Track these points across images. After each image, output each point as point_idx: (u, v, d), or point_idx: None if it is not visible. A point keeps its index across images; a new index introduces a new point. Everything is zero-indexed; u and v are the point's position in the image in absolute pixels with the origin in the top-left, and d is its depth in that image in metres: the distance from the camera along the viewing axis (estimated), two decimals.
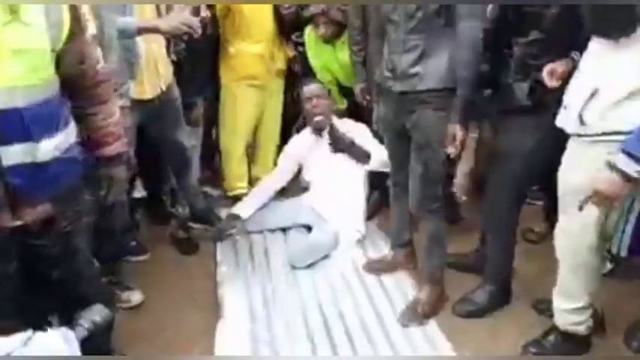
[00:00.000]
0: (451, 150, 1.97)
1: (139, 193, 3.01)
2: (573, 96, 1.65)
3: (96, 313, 1.09)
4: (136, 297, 2.31)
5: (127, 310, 2.25)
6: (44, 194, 1.41)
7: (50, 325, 1.93)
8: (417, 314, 2.19)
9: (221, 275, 2.41)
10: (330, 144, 2.80)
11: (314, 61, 3.08)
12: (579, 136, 1.65)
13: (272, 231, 2.84)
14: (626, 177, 1.45)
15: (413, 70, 1.97)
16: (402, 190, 2.35)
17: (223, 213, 2.93)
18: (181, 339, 2.11)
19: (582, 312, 1.88)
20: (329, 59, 3.06)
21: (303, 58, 3.13)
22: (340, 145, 2.78)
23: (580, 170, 1.65)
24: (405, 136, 2.15)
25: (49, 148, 1.37)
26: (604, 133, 1.57)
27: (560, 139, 1.75)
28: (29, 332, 1.06)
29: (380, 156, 2.63)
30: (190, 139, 2.68)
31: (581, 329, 1.91)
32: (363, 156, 2.77)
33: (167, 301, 2.34)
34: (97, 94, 1.55)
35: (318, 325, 2.16)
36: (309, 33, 3.06)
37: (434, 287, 2.25)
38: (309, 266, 2.55)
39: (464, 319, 2.21)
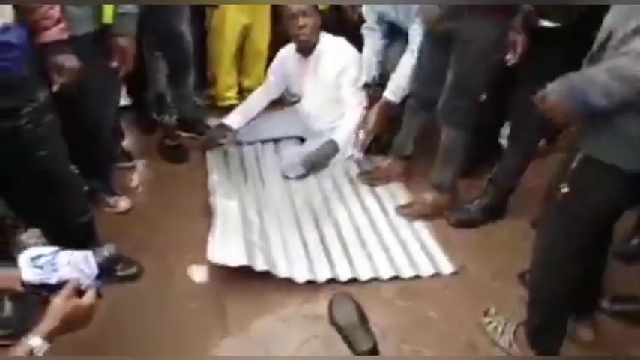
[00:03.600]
0: (510, 57, 1.88)
1: (123, 100, 2.86)
2: None
3: (105, 250, 1.20)
4: (122, 203, 2.24)
5: (116, 216, 2.21)
6: None
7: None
8: (412, 211, 2.24)
9: (212, 184, 2.34)
10: None
11: None
12: None
13: (263, 142, 2.76)
14: None
15: None
16: (420, 104, 2.29)
17: (212, 123, 2.82)
18: (172, 244, 2.08)
19: None
20: None
21: None
22: None
23: None
24: (443, 45, 2.02)
25: None
26: None
27: None
28: (55, 247, 1.16)
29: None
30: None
31: None
32: None
33: (157, 208, 2.29)
34: None
35: (311, 231, 2.15)
36: None
37: (439, 194, 2.25)
38: (303, 176, 2.50)
39: (458, 230, 2.22)
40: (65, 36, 1.56)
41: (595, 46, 1.30)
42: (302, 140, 2.72)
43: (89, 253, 1.17)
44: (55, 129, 1.53)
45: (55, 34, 1.53)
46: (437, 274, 1.98)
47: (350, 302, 1.77)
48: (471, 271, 2.01)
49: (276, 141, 2.76)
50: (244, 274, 1.85)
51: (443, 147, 2.17)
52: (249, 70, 3.15)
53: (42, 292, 1.12)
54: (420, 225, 2.22)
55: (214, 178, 2.38)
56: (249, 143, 2.73)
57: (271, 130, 2.75)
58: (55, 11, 1.51)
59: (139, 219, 2.22)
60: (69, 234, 1.61)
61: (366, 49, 2.60)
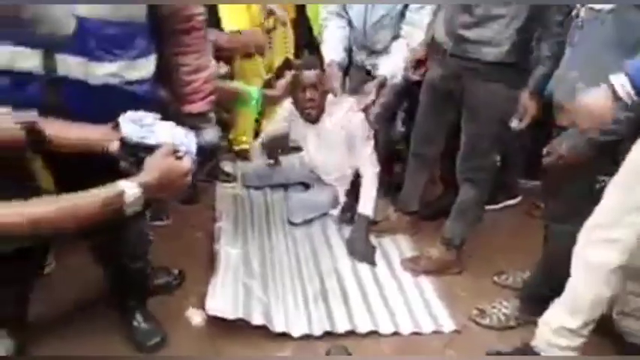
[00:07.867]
0: (515, 124, 1.86)
1: None
2: None
3: (210, 134, 1.28)
4: None
5: None
6: (97, 121, 1.23)
7: None
8: (417, 266, 2.20)
9: (218, 230, 2.36)
10: None
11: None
12: None
13: (272, 187, 2.79)
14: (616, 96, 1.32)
15: (468, 34, 1.86)
16: (421, 163, 2.31)
17: (227, 167, 2.88)
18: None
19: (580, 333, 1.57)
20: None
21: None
22: None
23: None
24: (445, 105, 2.07)
25: (103, 71, 1.25)
26: None
27: None
28: (156, 115, 1.18)
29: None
30: None
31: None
32: None
33: (162, 247, 2.30)
34: (187, 41, 1.45)
35: (313, 282, 2.13)
36: None
37: (446, 251, 2.22)
38: (308, 223, 2.51)
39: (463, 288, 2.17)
40: (209, 107, 1.55)
41: None
42: (307, 186, 2.74)
43: (190, 132, 1.20)
44: None
45: (199, 106, 1.51)
46: (438, 332, 1.93)
47: (345, 355, 1.74)
48: (474, 331, 1.95)
49: (284, 187, 2.79)
50: (242, 322, 1.84)
51: (459, 203, 2.17)
52: (267, 113, 3.20)
53: (138, 154, 1.11)
54: (424, 280, 2.18)
55: (220, 225, 2.40)
56: (257, 188, 2.76)
57: (278, 176, 2.78)
58: (208, 86, 1.52)
59: None
60: None
61: (329, 33, 2.49)
